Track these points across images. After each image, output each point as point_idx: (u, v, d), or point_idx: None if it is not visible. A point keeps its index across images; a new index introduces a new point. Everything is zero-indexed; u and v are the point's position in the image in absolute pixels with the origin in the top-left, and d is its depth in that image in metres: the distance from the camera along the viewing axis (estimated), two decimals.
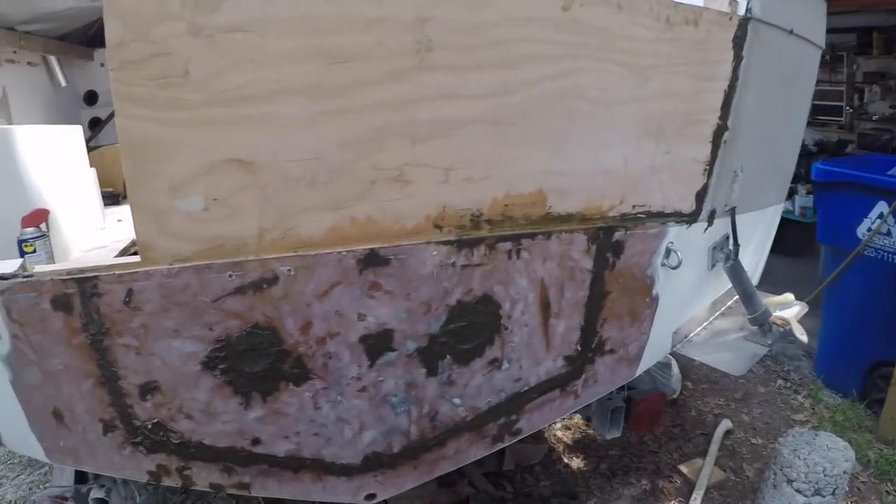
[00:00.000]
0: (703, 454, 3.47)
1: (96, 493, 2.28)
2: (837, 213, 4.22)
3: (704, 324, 2.66)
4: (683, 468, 3.38)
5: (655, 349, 2.35)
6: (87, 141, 3.74)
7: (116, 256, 2.49)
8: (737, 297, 2.57)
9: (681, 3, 1.95)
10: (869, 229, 3.98)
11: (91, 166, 3.14)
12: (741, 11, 2.03)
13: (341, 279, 1.79)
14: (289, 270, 1.76)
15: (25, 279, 1.81)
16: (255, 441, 1.98)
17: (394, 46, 1.68)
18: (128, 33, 1.59)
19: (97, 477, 2.36)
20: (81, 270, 1.79)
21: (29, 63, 4.15)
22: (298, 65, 1.66)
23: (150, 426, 1.96)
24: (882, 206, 3.88)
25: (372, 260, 1.78)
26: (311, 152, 1.70)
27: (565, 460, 3.57)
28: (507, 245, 1.88)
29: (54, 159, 2.65)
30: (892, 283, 3.89)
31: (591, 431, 3.77)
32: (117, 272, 1.77)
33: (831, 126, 8.60)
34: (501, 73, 1.78)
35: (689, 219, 2.19)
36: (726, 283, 2.57)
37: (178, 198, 1.71)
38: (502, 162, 1.83)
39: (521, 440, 3.07)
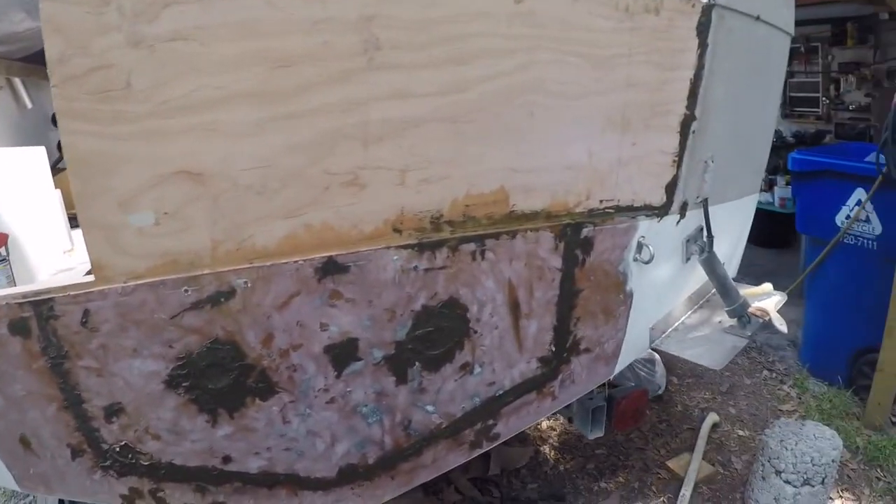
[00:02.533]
0: (691, 449, 3.34)
1: None
2: (816, 201, 4.08)
3: (682, 318, 2.52)
4: (671, 464, 3.25)
5: (633, 346, 2.23)
6: (56, 163, 3.64)
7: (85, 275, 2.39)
8: (714, 290, 2.44)
9: None
10: (848, 217, 3.86)
11: (57, 188, 3.04)
12: None
13: (300, 289, 1.68)
14: (245, 283, 1.66)
15: None
16: (226, 459, 1.87)
17: (340, 47, 1.59)
18: (68, 47, 1.50)
19: None
20: (36, 293, 1.69)
21: None
22: (242, 70, 1.57)
23: (118, 449, 1.85)
24: (860, 193, 3.76)
25: (330, 268, 1.68)
26: (261, 160, 1.61)
27: (551, 462, 3.44)
28: (471, 246, 1.78)
29: (15, 182, 2.57)
30: (873, 269, 3.75)
31: (576, 431, 3.60)
32: (72, 293, 1.67)
33: (808, 117, 8.35)
34: (455, 69, 1.68)
35: (660, 212, 2.07)
36: (703, 277, 2.44)
37: (129, 213, 1.61)
38: (460, 161, 1.73)
39: (506, 443, 2.95)
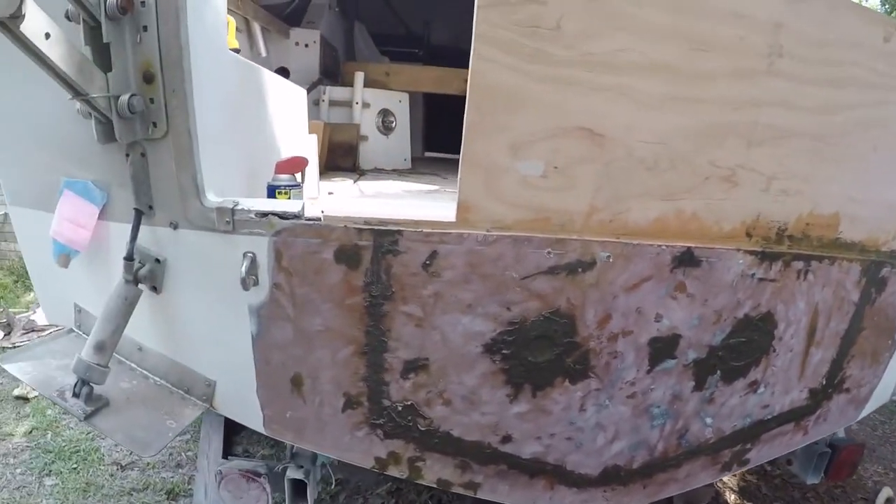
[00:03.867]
0: None
1: (294, 474, 1.95)
2: None
3: None
4: None
5: (880, 395, 2.26)
6: None
7: None
8: None
9: None
10: None
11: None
12: None
13: (653, 274, 1.61)
14: (608, 257, 1.57)
15: (311, 222, 1.54)
16: (506, 438, 1.75)
17: (750, 45, 1.55)
18: None
19: (294, 456, 2.03)
20: (382, 222, 1.53)
21: (237, 28, 3.77)
22: (666, 42, 1.50)
23: (400, 408, 1.70)
24: None
25: (686, 259, 1.61)
26: (660, 135, 1.54)
27: None
28: (800, 264, 1.75)
29: (291, 114, 2.33)
30: None
31: (755, 479, 3.67)
32: (425, 230, 1.53)
33: None
34: (832, 91, 1.67)
35: None
36: None
37: (519, 158, 1.50)
38: (814, 179, 1.72)
39: None
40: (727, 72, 1.56)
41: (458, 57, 6.31)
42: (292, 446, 2.02)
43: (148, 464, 3.38)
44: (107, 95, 1.51)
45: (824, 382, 1.99)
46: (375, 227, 1.54)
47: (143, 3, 1.50)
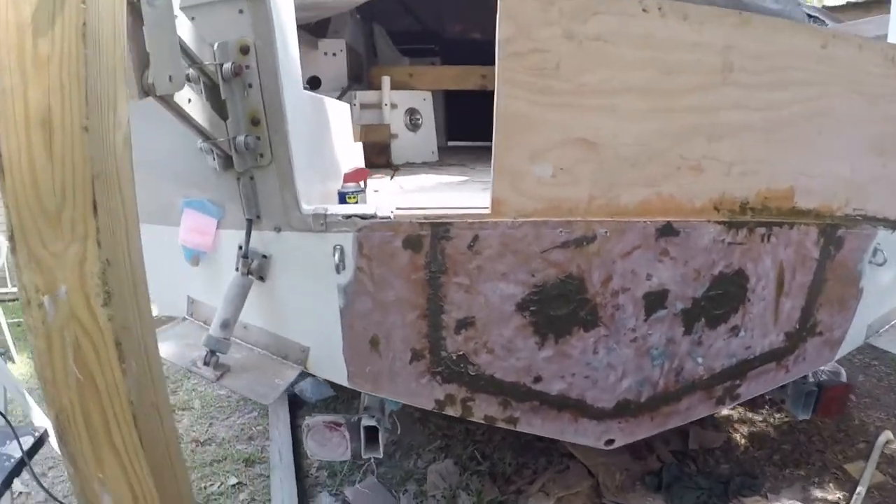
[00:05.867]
0: (865, 458, 4.74)
1: (367, 422, 3.19)
2: None
3: (893, 321, 3.89)
4: (847, 467, 4.64)
5: (853, 338, 3.46)
6: None
7: None
8: None
9: None
10: None
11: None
12: None
13: (641, 243, 2.82)
14: (605, 232, 2.78)
15: (384, 220, 2.82)
16: (537, 378, 2.98)
17: (707, 65, 2.71)
18: (517, 32, 2.58)
19: (366, 408, 3.31)
20: (437, 216, 2.79)
21: None
22: (639, 71, 2.69)
23: (454, 357, 2.93)
24: None
25: (667, 230, 2.84)
26: (639, 139, 2.73)
27: (742, 448, 4.81)
28: (763, 230, 2.98)
29: (343, 128, 3.64)
30: None
31: (764, 426, 5.06)
32: (469, 220, 2.77)
33: None
34: (776, 92, 2.86)
35: (893, 225, 3.36)
36: None
37: (534, 164, 2.74)
38: (768, 162, 2.92)
39: (702, 426, 4.26)
40: (690, 87, 2.73)
41: (470, 47, 7.77)
42: (364, 400, 3.30)
43: (223, 438, 4.76)
44: (227, 139, 2.75)
45: (797, 326, 3.23)
46: (433, 221, 2.78)
47: (247, 66, 2.67)
